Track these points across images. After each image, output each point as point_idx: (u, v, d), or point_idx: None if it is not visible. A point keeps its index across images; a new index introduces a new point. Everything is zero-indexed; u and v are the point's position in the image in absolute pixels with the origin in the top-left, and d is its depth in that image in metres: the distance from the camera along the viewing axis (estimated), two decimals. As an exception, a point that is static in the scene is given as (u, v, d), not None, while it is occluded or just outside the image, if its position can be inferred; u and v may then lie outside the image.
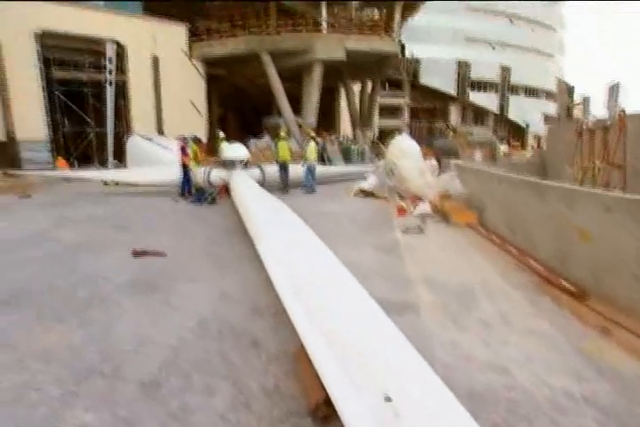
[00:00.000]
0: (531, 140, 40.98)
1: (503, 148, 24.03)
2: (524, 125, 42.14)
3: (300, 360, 2.38)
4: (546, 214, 4.28)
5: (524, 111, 41.68)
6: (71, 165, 16.96)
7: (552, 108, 46.03)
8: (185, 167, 9.50)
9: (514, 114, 41.72)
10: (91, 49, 17.48)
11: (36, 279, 4.10)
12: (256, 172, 10.09)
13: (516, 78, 41.06)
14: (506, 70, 40.44)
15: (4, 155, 15.50)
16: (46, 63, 16.63)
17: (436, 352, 2.67)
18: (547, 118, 43.50)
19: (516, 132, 41.73)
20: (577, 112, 51.40)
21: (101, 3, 19.53)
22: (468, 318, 3.22)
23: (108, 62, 17.73)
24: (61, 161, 16.45)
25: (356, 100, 25.70)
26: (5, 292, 3.75)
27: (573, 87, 53.71)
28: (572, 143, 8.82)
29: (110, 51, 17.66)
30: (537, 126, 41.32)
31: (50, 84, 16.84)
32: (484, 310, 3.38)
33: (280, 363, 2.56)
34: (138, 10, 20.52)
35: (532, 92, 43.12)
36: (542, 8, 42.47)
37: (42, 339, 2.89)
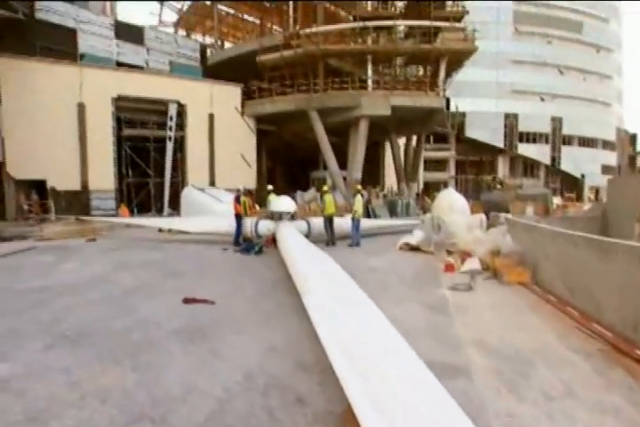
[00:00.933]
0: (587, 192, 39.05)
1: (556, 200, 23.11)
2: (578, 176, 40.48)
3: (346, 422, 2.31)
4: (614, 275, 3.98)
5: (578, 162, 40.19)
6: (132, 213, 18.38)
7: (611, 157, 44.09)
8: (238, 217, 9.94)
9: (567, 165, 40.32)
10: (156, 109, 19.73)
11: (97, 320, 4.38)
12: (302, 224, 10.29)
13: (569, 129, 40.09)
14: (557, 121, 39.73)
15: (79, 202, 17.34)
16: (118, 122, 18.94)
17: (491, 423, 2.48)
18: (605, 169, 41.61)
19: (571, 184, 40.10)
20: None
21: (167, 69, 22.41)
22: (527, 387, 2.98)
23: (169, 120, 19.80)
24: (124, 208, 17.95)
25: (402, 153, 26.12)
26: (73, 331, 4.06)
27: (636, 135, 51.18)
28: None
29: (172, 110, 19.81)
30: (594, 177, 39.60)
31: (119, 141, 19.05)
32: (544, 378, 3.12)
33: (325, 422, 2.49)
34: (198, 74, 23.21)
35: (587, 142, 41.62)
36: (595, 58, 41.83)
37: (100, 379, 3.05)
